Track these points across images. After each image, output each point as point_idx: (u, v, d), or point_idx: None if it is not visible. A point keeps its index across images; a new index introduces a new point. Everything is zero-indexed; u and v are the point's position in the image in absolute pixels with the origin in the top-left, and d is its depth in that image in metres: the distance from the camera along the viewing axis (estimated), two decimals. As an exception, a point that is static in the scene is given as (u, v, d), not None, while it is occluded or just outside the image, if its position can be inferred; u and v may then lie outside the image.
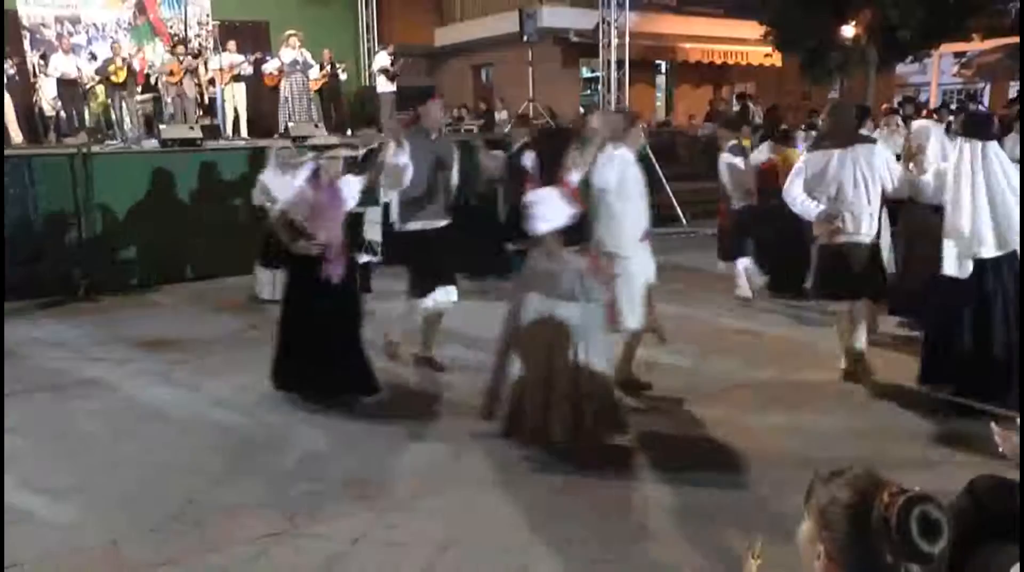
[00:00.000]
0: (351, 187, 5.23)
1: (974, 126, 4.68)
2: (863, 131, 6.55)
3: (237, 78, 13.58)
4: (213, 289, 7.45)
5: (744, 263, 7.70)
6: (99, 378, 5.79)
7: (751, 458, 4.23)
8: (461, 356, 5.94)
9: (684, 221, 12.73)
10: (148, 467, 4.29)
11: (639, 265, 5.00)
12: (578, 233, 4.45)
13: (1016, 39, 16.19)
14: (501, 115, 16.78)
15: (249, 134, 13.32)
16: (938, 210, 4.79)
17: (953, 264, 4.63)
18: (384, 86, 14.24)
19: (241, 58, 13.69)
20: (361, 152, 7.46)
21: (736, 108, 18.00)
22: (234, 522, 3.67)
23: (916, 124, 5.97)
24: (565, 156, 4.48)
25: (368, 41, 17.20)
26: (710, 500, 3.81)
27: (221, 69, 13.43)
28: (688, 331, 6.47)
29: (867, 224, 5.13)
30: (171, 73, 13.14)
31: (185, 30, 15.19)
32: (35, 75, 13.59)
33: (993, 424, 2.44)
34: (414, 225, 5.56)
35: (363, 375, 5.12)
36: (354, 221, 7.43)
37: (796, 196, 5.22)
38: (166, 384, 5.68)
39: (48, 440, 4.69)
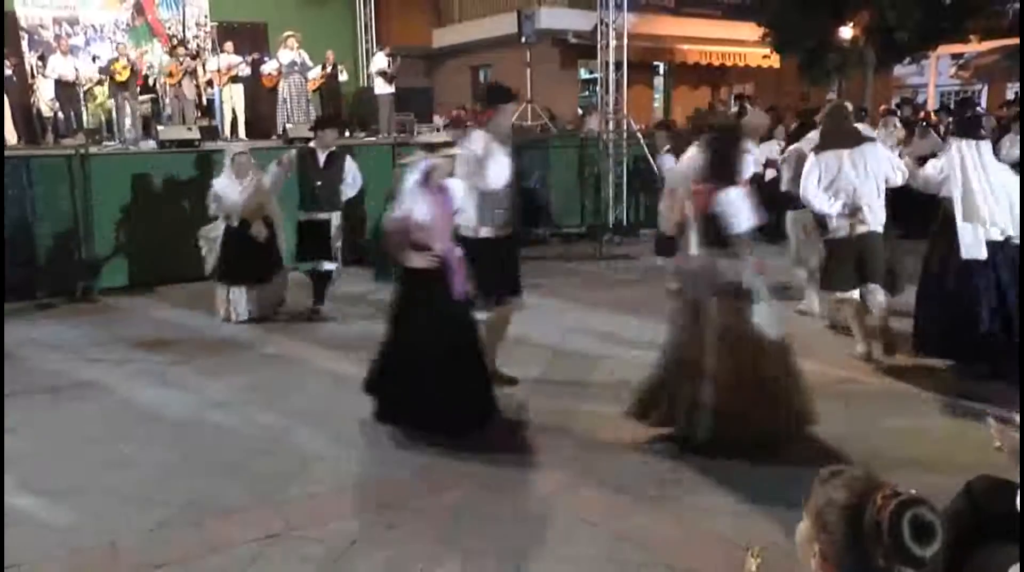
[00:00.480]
0: (458, 190, 4.72)
1: (967, 127, 5.46)
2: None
3: (235, 79, 13.56)
4: (211, 290, 7.49)
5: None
6: (98, 379, 5.79)
7: (751, 458, 4.19)
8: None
9: None
10: (147, 468, 4.30)
11: None
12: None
13: (1014, 40, 16.22)
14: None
15: (247, 135, 13.30)
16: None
17: (973, 246, 5.13)
18: (382, 87, 14.21)
19: (239, 59, 13.69)
20: (322, 156, 7.31)
21: (734, 109, 17.99)
22: (232, 523, 3.68)
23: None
24: (735, 156, 4.38)
25: (366, 42, 17.19)
26: (711, 500, 3.83)
27: (219, 70, 13.43)
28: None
29: (880, 215, 5.60)
30: (170, 74, 13.12)
31: (183, 31, 15.17)
32: (33, 76, 13.55)
33: (991, 419, 2.44)
34: (485, 231, 5.13)
35: (487, 403, 4.63)
36: (322, 228, 7.37)
37: (815, 195, 5.57)
38: (165, 385, 5.68)
39: (47, 441, 4.69)
